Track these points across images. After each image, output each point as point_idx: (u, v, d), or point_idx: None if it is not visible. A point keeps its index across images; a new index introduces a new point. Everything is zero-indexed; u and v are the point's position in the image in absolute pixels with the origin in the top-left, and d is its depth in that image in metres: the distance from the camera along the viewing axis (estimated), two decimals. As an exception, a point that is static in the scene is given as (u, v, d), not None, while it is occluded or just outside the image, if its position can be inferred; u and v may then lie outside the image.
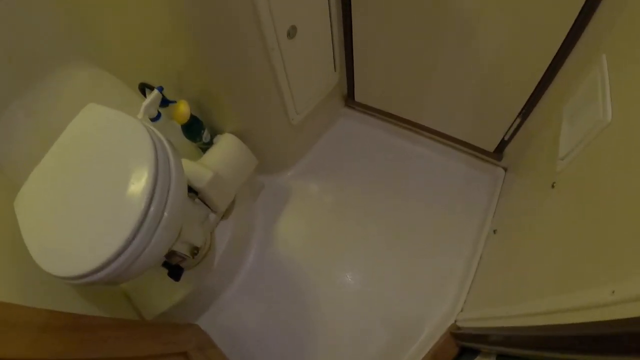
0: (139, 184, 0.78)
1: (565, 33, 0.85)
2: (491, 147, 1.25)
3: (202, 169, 1.11)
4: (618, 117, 0.61)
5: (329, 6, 1.11)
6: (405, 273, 1.25)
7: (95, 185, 0.84)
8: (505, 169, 1.31)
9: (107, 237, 0.74)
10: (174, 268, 1.11)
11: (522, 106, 1.06)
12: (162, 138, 0.86)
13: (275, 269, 1.33)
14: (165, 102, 1.09)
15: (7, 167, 1.19)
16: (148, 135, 0.82)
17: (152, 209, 0.76)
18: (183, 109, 1.08)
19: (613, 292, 0.45)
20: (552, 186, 0.80)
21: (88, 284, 0.76)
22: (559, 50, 0.89)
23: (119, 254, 0.73)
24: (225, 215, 1.27)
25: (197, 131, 1.18)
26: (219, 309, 1.30)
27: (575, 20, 0.82)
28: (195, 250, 1.13)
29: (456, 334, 1.02)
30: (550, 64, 0.93)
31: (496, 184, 1.29)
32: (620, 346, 0.41)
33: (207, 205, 1.15)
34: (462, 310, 1.10)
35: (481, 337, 0.85)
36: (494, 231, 1.14)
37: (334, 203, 1.43)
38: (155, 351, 0.91)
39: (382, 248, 1.31)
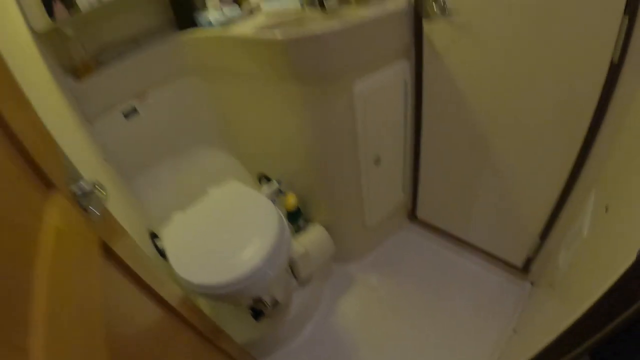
0: (263, 244, 1.11)
1: (565, 179, 1.17)
2: (519, 264, 1.52)
3: (297, 245, 1.48)
4: (590, 233, 0.87)
5: (404, 147, 1.54)
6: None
7: (227, 234, 1.18)
8: (532, 283, 1.53)
9: (230, 268, 1.08)
10: (257, 311, 1.41)
11: (541, 229, 1.33)
12: (282, 216, 1.25)
13: (331, 339, 1.59)
14: (279, 192, 1.53)
15: (148, 205, 1.62)
16: (276, 211, 1.22)
17: (267, 262, 1.11)
18: (292, 201, 1.50)
19: None
20: (551, 286, 1.09)
21: (205, 294, 1.10)
22: (562, 193, 1.21)
23: (236, 282, 1.07)
24: (302, 285, 1.59)
25: (297, 218, 1.58)
26: (280, 358, 1.55)
27: (573, 167, 1.13)
28: (275, 303, 1.44)
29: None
30: (558, 199, 1.23)
31: (522, 295, 1.51)
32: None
33: (292, 272, 1.50)
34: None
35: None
36: (514, 330, 1.38)
37: (388, 296, 1.69)
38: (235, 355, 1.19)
39: (421, 338, 1.53)
